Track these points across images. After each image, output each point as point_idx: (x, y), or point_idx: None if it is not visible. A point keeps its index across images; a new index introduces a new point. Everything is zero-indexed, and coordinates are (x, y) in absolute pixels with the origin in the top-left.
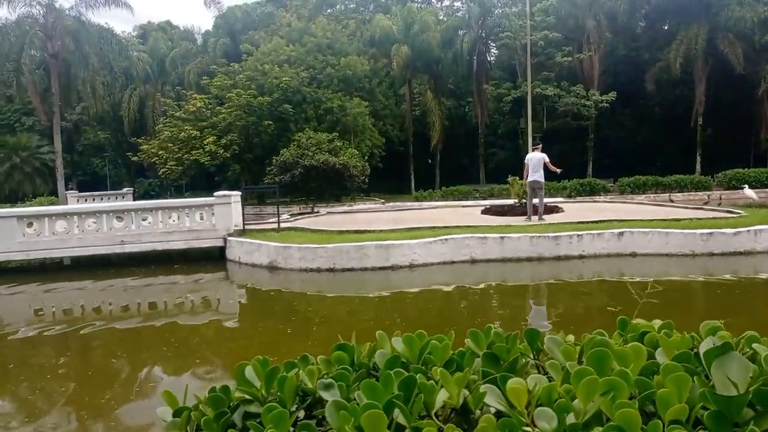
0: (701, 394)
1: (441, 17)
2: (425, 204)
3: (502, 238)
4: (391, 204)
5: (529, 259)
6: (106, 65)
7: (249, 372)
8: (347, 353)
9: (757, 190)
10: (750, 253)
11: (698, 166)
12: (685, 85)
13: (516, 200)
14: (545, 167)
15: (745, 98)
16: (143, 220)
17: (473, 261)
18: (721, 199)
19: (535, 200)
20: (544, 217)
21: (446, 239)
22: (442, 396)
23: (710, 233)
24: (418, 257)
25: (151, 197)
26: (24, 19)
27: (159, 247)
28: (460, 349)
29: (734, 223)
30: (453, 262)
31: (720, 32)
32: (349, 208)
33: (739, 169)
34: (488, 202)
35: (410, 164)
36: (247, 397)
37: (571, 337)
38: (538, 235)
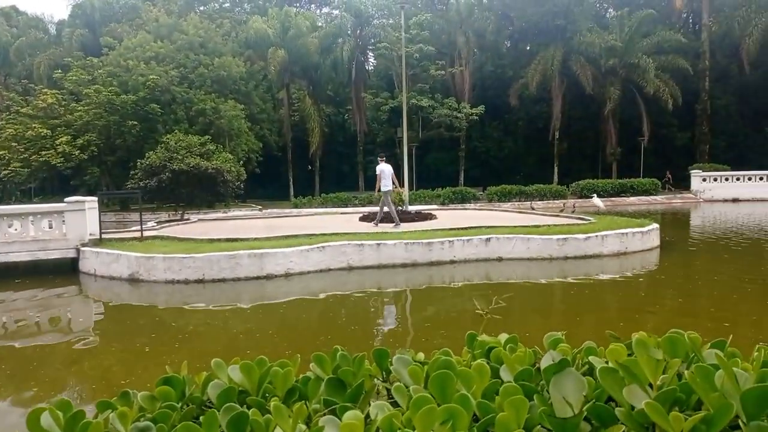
0: (539, 416)
1: (320, 24)
2: (304, 211)
3: (378, 244)
4: (269, 210)
5: (404, 265)
6: None
7: (46, 419)
8: (176, 387)
9: (604, 198)
10: (598, 256)
11: (556, 177)
12: (544, 102)
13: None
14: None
15: (594, 116)
16: None
17: (351, 268)
18: (575, 206)
19: (386, 208)
20: (380, 224)
21: (323, 246)
22: None
23: (565, 239)
24: (294, 265)
25: None
26: None
27: None
28: (305, 374)
29: (585, 229)
30: (330, 270)
31: (573, 55)
32: (224, 215)
33: (589, 180)
34: (367, 209)
35: (289, 170)
36: None
37: (421, 355)
38: (412, 241)
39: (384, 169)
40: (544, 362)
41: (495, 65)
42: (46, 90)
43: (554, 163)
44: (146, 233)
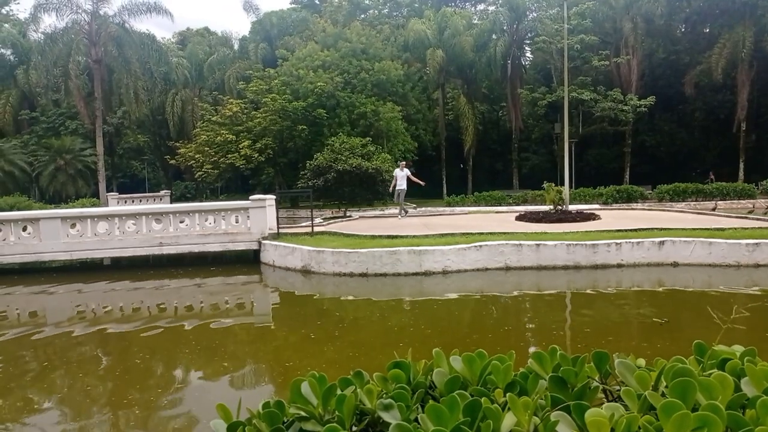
0: None
1: (475, 21)
2: (457, 209)
3: (537, 245)
4: (423, 209)
5: (566, 268)
6: (146, 70)
7: (305, 388)
8: (404, 371)
9: None
10: None
11: (741, 173)
12: (727, 90)
13: (551, 207)
14: (409, 179)
15: None
16: (181, 222)
17: (508, 268)
18: (767, 208)
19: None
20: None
21: (480, 246)
22: (508, 422)
23: (756, 243)
24: (451, 263)
25: (187, 200)
26: (71, 27)
27: (195, 249)
28: (522, 370)
29: None
30: (487, 269)
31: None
32: (381, 212)
33: None
34: (522, 208)
35: (443, 169)
36: (303, 414)
37: (641, 361)
38: (575, 243)
39: (398, 173)
40: None
41: (667, 52)
42: (232, 100)
43: (740, 158)
44: (315, 229)
